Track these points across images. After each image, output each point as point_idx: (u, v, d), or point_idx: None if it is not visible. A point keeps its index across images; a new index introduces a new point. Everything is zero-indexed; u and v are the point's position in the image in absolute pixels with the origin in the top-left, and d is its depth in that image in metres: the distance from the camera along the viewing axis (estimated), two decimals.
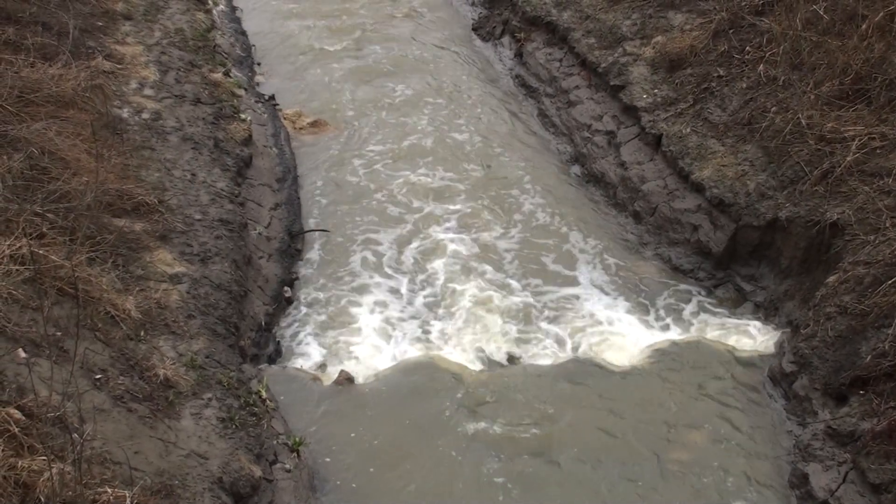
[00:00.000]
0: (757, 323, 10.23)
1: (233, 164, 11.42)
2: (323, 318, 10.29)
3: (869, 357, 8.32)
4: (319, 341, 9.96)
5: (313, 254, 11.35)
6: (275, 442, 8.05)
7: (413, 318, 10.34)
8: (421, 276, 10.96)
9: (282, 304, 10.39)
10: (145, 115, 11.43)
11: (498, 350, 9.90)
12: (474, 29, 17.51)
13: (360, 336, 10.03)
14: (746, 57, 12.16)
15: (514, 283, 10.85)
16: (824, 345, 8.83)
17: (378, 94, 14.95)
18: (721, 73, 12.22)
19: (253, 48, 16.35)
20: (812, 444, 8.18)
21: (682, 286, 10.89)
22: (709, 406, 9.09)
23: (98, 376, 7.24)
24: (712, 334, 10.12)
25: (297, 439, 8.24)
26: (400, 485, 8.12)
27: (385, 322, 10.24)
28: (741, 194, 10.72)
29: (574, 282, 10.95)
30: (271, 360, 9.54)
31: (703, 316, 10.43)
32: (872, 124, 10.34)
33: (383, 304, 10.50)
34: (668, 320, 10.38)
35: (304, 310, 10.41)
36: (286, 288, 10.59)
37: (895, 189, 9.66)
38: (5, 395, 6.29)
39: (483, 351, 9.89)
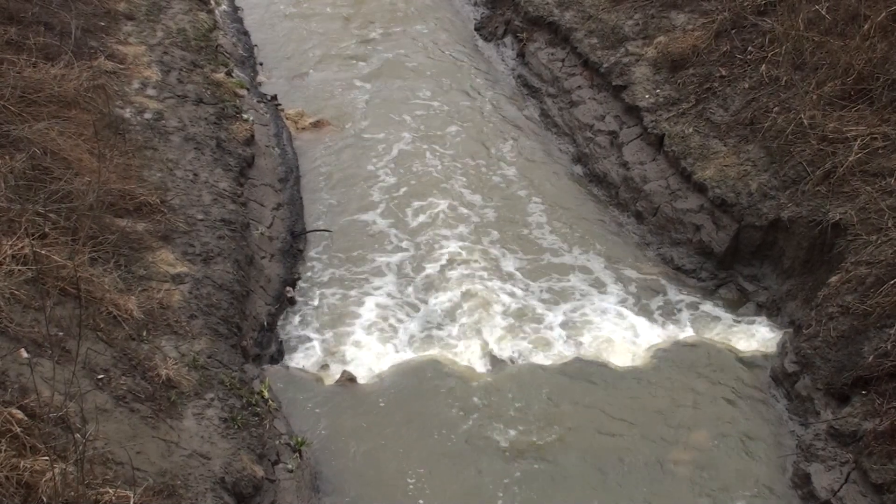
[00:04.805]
0: (759, 323, 10.24)
1: (235, 165, 11.42)
2: (325, 318, 10.30)
3: (871, 357, 8.32)
4: (322, 341, 9.97)
5: (316, 254, 11.35)
6: (277, 442, 8.05)
7: (416, 318, 10.34)
8: (424, 277, 10.95)
9: (284, 303, 10.39)
10: (147, 116, 11.43)
11: (501, 350, 9.91)
12: (477, 29, 17.50)
13: (362, 336, 10.03)
14: (749, 57, 12.16)
15: (516, 284, 10.85)
16: (826, 345, 8.83)
17: (380, 94, 14.93)
18: (723, 73, 12.21)
19: (255, 48, 16.34)
20: (814, 444, 8.18)
21: (685, 286, 10.88)
22: (711, 406, 9.09)
23: (100, 376, 7.25)
24: (714, 334, 10.12)
25: (300, 439, 8.25)
26: (402, 485, 8.13)
27: (388, 322, 10.24)
28: (743, 194, 10.72)
29: (576, 282, 10.94)
30: (273, 360, 9.55)
31: (705, 316, 10.43)
32: (874, 124, 10.33)
33: (386, 305, 10.49)
34: (671, 320, 10.38)
35: (306, 309, 10.41)
36: (288, 288, 10.59)
37: None
38: (8, 396, 6.30)
39: (486, 351, 9.90)
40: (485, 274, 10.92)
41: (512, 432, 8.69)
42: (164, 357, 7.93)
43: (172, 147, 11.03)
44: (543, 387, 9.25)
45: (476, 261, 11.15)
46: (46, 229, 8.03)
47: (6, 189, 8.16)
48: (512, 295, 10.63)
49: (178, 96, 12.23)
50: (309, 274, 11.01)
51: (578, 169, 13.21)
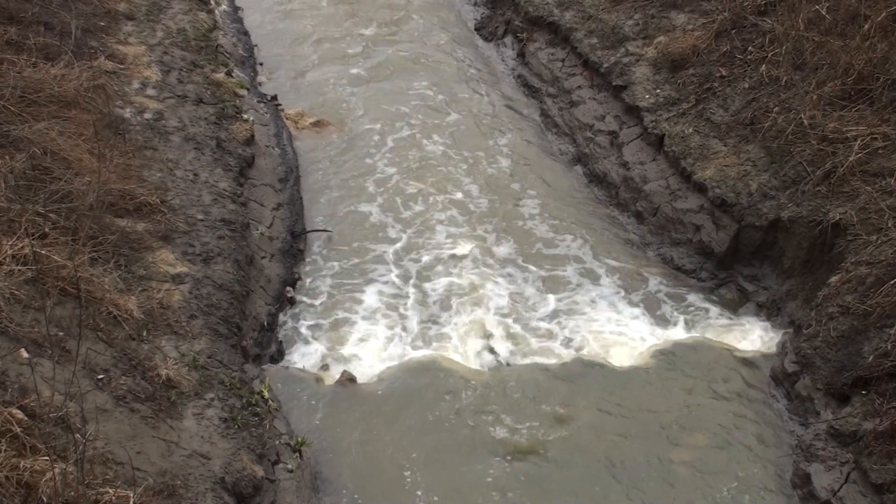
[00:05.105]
0: (759, 323, 10.24)
1: (235, 165, 11.42)
2: (325, 318, 10.29)
3: (871, 357, 8.31)
4: (322, 341, 9.97)
5: (316, 254, 11.35)
6: (277, 442, 8.05)
7: (416, 317, 10.33)
8: (424, 276, 10.95)
9: (284, 303, 10.39)
10: (147, 116, 11.43)
11: (501, 350, 9.91)
12: (477, 29, 17.51)
13: (362, 336, 10.03)
14: (749, 57, 12.16)
15: (516, 283, 10.85)
16: (826, 345, 8.83)
17: (380, 93, 14.93)
18: (723, 73, 12.21)
19: (255, 48, 16.35)
20: (814, 444, 8.18)
21: (685, 286, 10.88)
22: (711, 406, 9.09)
23: (100, 376, 7.25)
24: (714, 334, 10.12)
25: (300, 439, 8.24)
26: (402, 485, 8.13)
27: (388, 322, 10.24)
28: (743, 194, 10.72)
29: (577, 282, 10.94)
30: (273, 360, 9.55)
31: (705, 316, 10.42)
32: (875, 124, 10.33)
33: (386, 304, 10.49)
34: (671, 320, 10.38)
35: (306, 310, 10.41)
36: (288, 288, 10.59)
37: None
38: (8, 396, 6.30)
39: (486, 351, 9.90)
40: (485, 274, 10.92)
41: (512, 432, 8.69)
42: (164, 357, 7.93)
43: (172, 147, 11.03)
44: (543, 386, 9.25)
45: (477, 261, 11.14)
46: (46, 229, 8.03)
47: (6, 189, 8.16)
48: (513, 295, 10.63)
49: (178, 96, 12.23)
50: (308, 268, 11.02)
51: (578, 169, 13.21)
